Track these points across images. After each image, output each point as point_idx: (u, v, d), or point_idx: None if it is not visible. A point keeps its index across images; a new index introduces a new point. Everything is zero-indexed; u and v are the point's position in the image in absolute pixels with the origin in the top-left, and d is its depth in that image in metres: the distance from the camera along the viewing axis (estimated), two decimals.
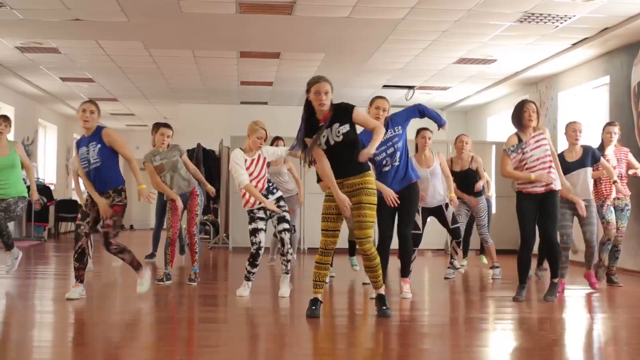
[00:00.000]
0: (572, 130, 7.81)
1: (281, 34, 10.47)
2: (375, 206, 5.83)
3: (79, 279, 6.78)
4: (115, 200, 6.69)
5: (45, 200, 15.82)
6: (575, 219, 7.84)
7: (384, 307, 5.95)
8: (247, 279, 7.24)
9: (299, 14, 9.30)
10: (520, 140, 6.95)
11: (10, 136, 14.60)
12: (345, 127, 5.71)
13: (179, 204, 7.94)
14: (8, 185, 8.20)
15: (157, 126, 8.14)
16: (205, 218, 15.21)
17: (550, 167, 6.89)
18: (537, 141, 6.92)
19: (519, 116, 6.96)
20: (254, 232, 7.07)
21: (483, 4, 8.69)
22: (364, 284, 8.15)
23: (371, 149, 5.68)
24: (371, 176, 5.86)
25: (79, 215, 6.78)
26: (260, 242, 7.05)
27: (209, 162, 14.82)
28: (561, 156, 7.78)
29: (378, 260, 5.92)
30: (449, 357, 4.83)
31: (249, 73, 13.42)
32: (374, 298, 6.10)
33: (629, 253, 10.05)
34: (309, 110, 5.80)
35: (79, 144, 6.82)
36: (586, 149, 7.81)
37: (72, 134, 20.32)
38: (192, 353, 4.72)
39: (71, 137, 20.26)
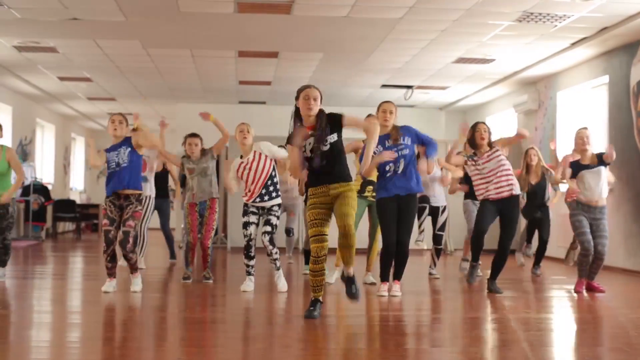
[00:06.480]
0: (579, 137, 7.67)
1: (280, 34, 10.45)
2: (354, 214, 5.82)
3: (113, 275, 7.26)
4: (137, 207, 7.16)
5: (43, 200, 15.81)
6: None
7: (354, 289, 5.84)
8: (248, 273, 7.52)
9: (298, 14, 9.28)
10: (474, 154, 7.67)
11: (8, 136, 14.66)
12: (334, 137, 5.79)
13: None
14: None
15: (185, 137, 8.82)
16: None
17: (508, 175, 7.47)
18: (489, 156, 7.56)
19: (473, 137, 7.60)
20: (245, 225, 7.42)
21: (482, 3, 8.68)
22: (365, 283, 8.12)
23: (367, 159, 5.92)
24: (354, 187, 5.93)
25: (107, 221, 7.11)
26: (250, 235, 7.37)
27: None
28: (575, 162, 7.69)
29: (355, 240, 5.77)
30: (444, 356, 4.81)
31: (248, 72, 13.40)
32: (343, 278, 5.96)
33: (629, 253, 10.03)
34: (298, 117, 5.86)
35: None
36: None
37: (70, 134, 20.29)
38: (191, 353, 4.71)
39: (69, 137, 20.23)
